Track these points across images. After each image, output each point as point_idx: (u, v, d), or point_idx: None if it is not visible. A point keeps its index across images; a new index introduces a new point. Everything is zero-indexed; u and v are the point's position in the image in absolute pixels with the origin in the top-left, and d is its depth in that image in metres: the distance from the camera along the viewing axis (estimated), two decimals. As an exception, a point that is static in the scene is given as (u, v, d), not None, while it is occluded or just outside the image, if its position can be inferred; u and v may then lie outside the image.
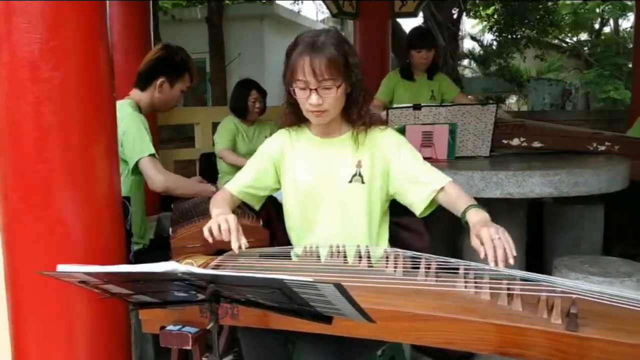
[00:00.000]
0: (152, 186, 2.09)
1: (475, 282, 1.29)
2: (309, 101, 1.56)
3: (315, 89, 1.54)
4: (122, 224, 1.76)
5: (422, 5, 5.05)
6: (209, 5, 10.22)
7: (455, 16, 8.21)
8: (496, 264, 1.28)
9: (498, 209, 2.91)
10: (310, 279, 0.92)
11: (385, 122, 2.91)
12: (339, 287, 0.93)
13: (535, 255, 3.33)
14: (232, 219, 1.52)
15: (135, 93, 2.26)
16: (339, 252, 1.57)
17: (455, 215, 2.59)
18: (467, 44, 14.74)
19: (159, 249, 2.18)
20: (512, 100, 15.60)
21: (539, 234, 3.46)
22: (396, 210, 3.51)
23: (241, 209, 2.01)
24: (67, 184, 1.56)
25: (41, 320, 1.59)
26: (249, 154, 3.73)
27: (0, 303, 1.64)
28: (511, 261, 1.28)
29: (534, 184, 2.46)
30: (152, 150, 2.08)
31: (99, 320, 1.65)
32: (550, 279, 1.29)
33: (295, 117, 1.69)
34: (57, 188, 1.54)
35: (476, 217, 1.46)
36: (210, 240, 1.50)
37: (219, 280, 1.01)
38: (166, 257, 1.91)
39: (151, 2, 3.73)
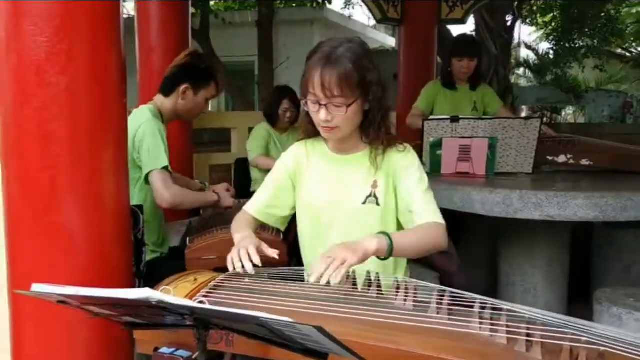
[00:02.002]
0: (158, 201, 2.04)
1: (492, 322, 1.15)
2: (318, 116, 1.47)
3: (325, 105, 1.44)
4: (129, 233, 1.71)
5: (471, 12, 4.85)
6: (259, 9, 10.28)
7: (509, 23, 7.92)
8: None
9: (538, 231, 2.74)
10: (288, 319, 0.82)
11: (418, 136, 2.81)
12: (320, 330, 0.82)
13: (581, 282, 3.12)
14: (252, 247, 1.45)
15: (158, 98, 2.21)
16: (348, 277, 1.46)
17: (496, 223, 2.43)
18: (523, 53, 14.32)
19: (176, 259, 2.12)
20: (568, 112, 15.03)
21: (587, 258, 3.24)
22: None
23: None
24: (72, 191, 1.51)
25: (42, 333, 1.55)
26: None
27: (2, 312, 1.61)
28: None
29: (577, 206, 2.27)
30: (166, 163, 2.03)
31: (101, 332, 1.59)
32: (577, 322, 1.14)
33: (312, 128, 1.59)
34: (61, 195, 1.50)
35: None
36: (231, 269, 1.43)
37: (196, 312, 0.93)
38: (180, 268, 1.85)
39: (189, 2, 3.71)
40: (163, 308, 0.96)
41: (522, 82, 14.40)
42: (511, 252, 2.88)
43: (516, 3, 7.85)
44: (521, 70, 13.85)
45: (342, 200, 1.58)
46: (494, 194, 2.40)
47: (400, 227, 1.60)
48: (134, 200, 2.08)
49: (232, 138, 4.36)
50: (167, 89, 2.19)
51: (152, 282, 1.51)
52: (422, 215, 1.49)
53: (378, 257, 1.38)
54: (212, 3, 12.50)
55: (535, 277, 2.80)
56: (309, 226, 1.65)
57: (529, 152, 2.82)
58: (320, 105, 1.45)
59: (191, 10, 9.04)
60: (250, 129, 3.99)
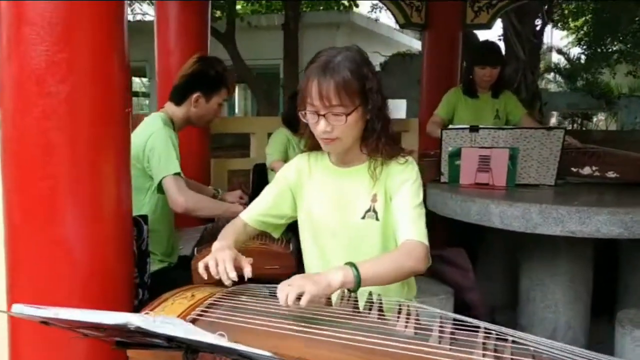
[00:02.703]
0: (172, 206, 2.01)
1: (495, 355, 1.08)
2: (317, 127, 1.42)
3: (324, 115, 1.39)
4: (131, 244, 1.68)
5: (497, 17, 4.73)
6: (285, 12, 10.28)
7: (538, 28, 7.73)
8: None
9: (560, 245, 2.63)
10: (267, 353, 0.77)
11: (438, 144, 2.73)
12: (300, 365, 0.77)
13: (605, 299, 3.00)
14: (228, 256, 1.38)
15: (169, 107, 2.19)
16: (349, 297, 1.40)
17: (516, 235, 2.34)
18: (554, 57, 14.02)
19: (185, 269, 2.09)
20: (601, 118, 14.67)
21: (612, 274, 3.11)
22: (439, 241, 3.25)
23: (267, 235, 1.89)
24: (72, 201, 1.49)
25: (41, 345, 1.53)
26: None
27: (2, 324, 1.60)
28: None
29: (600, 222, 2.18)
30: (178, 169, 2.00)
31: (97, 346, 1.56)
32: (589, 355, 1.06)
33: (314, 142, 1.53)
34: (60, 206, 1.48)
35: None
36: (205, 276, 1.37)
37: (174, 340, 0.88)
38: (187, 278, 1.81)
39: (209, 5, 3.69)
40: (143, 333, 0.92)
41: (553, 87, 14.11)
42: (532, 266, 2.78)
43: (546, 7, 7.66)
44: (551, 75, 13.55)
45: (342, 215, 1.53)
46: (513, 208, 2.31)
47: None
48: (143, 210, 2.06)
49: (251, 143, 4.33)
50: (178, 98, 2.16)
51: (158, 292, 1.47)
52: (405, 233, 1.43)
53: (348, 290, 1.32)
54: (238, 7, 12.58)
55: (556, 293, 2.69)
56: (310, 241, 1.60)
57: (552, 164, 2.72)
58: (319, 115, 1.40)
59: (217, 13, 9.08)
60: (270, 134, 3.95)
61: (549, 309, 2.72)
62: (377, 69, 11.96)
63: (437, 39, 4.67)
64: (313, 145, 1.57)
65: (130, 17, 12.62)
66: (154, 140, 2.00)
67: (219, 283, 1.43)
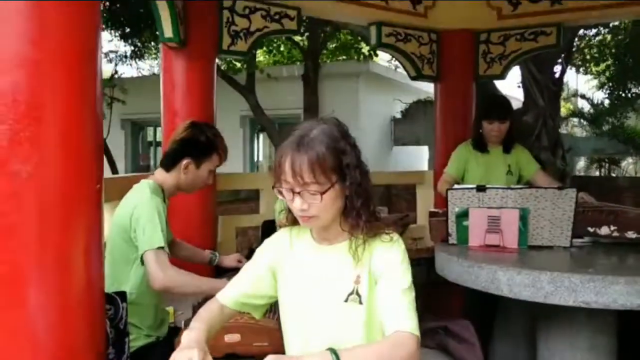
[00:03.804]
0: (150, 283, 1.91)
1: None
2: (293, 205, 1.33)
3: (299, 193, 1.30)
4: (103, 327, 1.58)
5: (511, 68, 4.65)
6: (305, 63, 10.41)
7: (557, 75, 7.63)
8: None
9: (577, 313, 2.45)
10: None
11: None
12: None
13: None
14: (195, 356, 1.24)
15: (159, 173, 2.14)
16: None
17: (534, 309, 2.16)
18: (580, 102, 13.84)
19: (173, 344, 1.98)
20: (630, 162, 14.31)
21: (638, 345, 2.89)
22: (453, 306, 3.05)
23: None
24: (35, 286, 1.40)
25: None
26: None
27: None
28: None
29: (617, 292, 2.02)
30: (161, 243, 1.92)
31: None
32: None
33: (294, 215, 1.44)
34: (23, 289, 1.39)
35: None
36: None
37: None
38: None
39: (215, 67, 3.70)
40: None
41: (578, 132, 13.88)
42: (549, 335, 2.59)
43: (563, 54, 7.58)
44: (576, 120, 13.35)
45: (324, 296, 1.42)
46: (522, 275, 2.16)
47: None
48: (130, 281, 1.98)
49: (260, 199, 4.26)
50: (168, 164, 2.11)
51: None
52: (392, 322, 1.30)
53: None
54: (260, 58, 12.82)
55: (576, 364, 2.49)
56: (290, 320, 1.49)
57: (565, 224, 2.57)
58: (294, 193, 1.32)
59: (237, 65, 9.21)
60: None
61: (569, 381, 2.51)
62: (399, 116, 11.93)
63: (449, 91, 4.61)
64: (293, 220, 1.48)
65: (148, 71, 13.00)
66: (139, 210, 1.94)
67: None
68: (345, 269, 1.40)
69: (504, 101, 3.20)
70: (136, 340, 1.99)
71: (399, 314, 1.31)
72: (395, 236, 1.42)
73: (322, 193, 1.30)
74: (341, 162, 1.31)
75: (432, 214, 2.96)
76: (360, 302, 1.38)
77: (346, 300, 1.39)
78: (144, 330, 2.03)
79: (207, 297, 2.13)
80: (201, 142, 2.10)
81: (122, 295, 1.75)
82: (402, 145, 12.53)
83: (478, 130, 3.19)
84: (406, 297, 1.34)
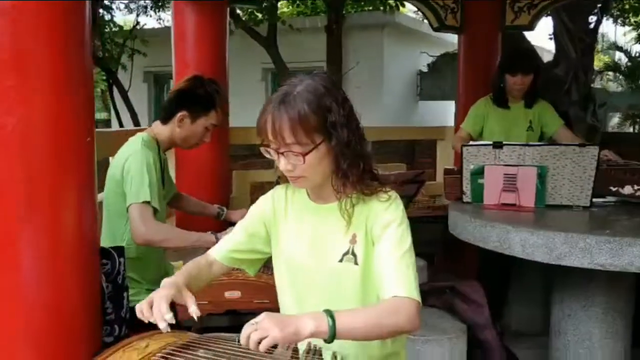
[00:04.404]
0: (133, 237, 1.88)
1: None
2: (279, 165, 1.26)
3: (283, 153, 1.24)
4: (96, 280, 1.57)
5: (540, 18, 4.41)
6: (328, 14, 10.15)
7: (592, 25, 7.26)
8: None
9: (593, 274, 2.36)
10: None
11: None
12: None
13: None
14: (163, 295, 1.21)
15: (156, 125, 2.08)
16: (315, 350, 1.24)
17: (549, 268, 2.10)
18: (617, 55, 13.27)
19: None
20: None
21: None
22: (459, 266, 2.98)
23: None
24: (26, 243, 1.39)
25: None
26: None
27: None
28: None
29: (633, 254, 1.93)
30: (147, 197, 1.87)
31: None
32: None
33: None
34: (13, 245, 1.38)
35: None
36: (145, 321, 1.22)
37: None
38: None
39: (227, 10, 3.58)
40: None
41: (613, 87, 13.36)
42: (563, 296, 2.52)
43: (599, 4, 7.19)
44: (612, 74, 12.83)
45: (319, 256, 1.36)
46: (535, 236, 2.09)
47: None
48: (125, 237, 1.95)
49: (276, 154, 4.20)
50: (164, 116, 2.05)
51: (136, 327, 1.34)
52: (391, 288, 1.24)
53: (324, 340, 1.15)
54: (284, 9, 12.55)
55: (590, 327, 2.42)
56: (285, 280, 1.45)
57: (586, 183, 2.46)
58: (278, 153, 1.25)
59: (258, 16, 9.01)
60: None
61: (582, 343, 2.45)
62: (425, 69, 11.57)
63: (473, 43, 4.40)
64: (286, 179, 1.41)
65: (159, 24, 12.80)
66: (130, 163, 1.90)
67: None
68: (340, 228, 1.34)
69: (528, 52, 3.04)
70: (137, 295, 1.98)
71: (397, 279, 1.24)
72: (394, 195, 1.34)
73: (305, 154, 1.23)
74: (326, 120, 1.23)
75: (447, 171, 2.86)
76: (356, 263, 1.32)
77: (341, 260, 1.34)
78: (145, 285, 2.01)
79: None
80: (199, 96, 2.02)
81: (120, 250, 1.73)
82: (428, 99, 12.24)
83: (499, 83, 3.04)
84: (405, 261, 1.27)
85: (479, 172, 2.54)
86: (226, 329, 1.90)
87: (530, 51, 3.11)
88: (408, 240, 1.30)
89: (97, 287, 1.57)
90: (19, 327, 1.41)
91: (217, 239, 1.87)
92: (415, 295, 1.23)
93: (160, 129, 2.05)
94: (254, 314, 1.56)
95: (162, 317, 1.17)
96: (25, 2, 1.31)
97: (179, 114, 2.01)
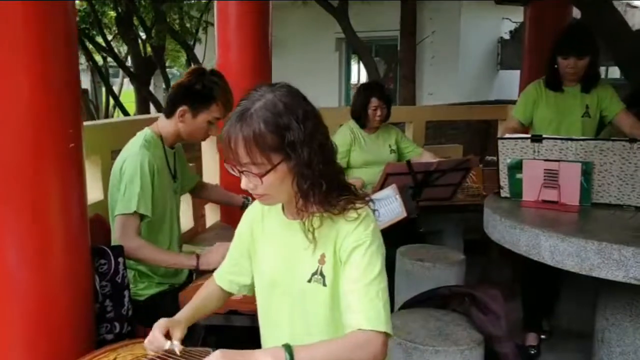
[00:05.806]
0: None
1: None
2: (241, 184, 1.21)
3: (242, 172, 1.18)
4: (89, 280, 1.59)
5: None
6: (403, -19, 9.77)
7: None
8: None
9: (622, 290, 2.14)
10: None
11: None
12: None
13: None
14: (155, 327, 1.27)
15: (161, 120, 2.06)
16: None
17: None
18: None
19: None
20: None
21: None
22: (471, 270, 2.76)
23: None
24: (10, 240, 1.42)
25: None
26: (367, 165, 3.36)
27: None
28: None
29: (676, 271, 1.71)
30: (134, 208, 1.86)
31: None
32: None
33: None
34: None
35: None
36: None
37: None
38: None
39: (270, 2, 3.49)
40: None
41: None
42: (608, 303, 2.31)
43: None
44: None
45: (290, 274, 1.30)
46: (566, 243, 1.91)
47: None
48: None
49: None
50: (167, 110, 2.03)
51: (149, 320, 1.35)
52: (355, 320, 1.15)
53: None
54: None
55: (637, 339, 2.21)
56: (262, 301, 1.40)
57: (637, 182, 2.21)
58: (239, 171, 1.19)
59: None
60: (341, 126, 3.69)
61: (626, 356, 2.25)
62: (507, 37, 10.88)
63: (540, 16, 4.06)
64: None
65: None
66: (126, 166, 1.91)
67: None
68: (309, 246, 1.27)
69: (584, 32, 2.72)
70: (147, 289, 2.01)
71: (362, 310, 1.15)
72: (364, 212, 1.24)
73: (261, 176, 1.16)
74: (284, 139, 1.15)
75: (486, 163, 2.68)
76: (324, 284, 1.25)
77: (309, 281, 1.26)
78: (156, 279, 2.03)
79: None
80: (196, 90, 1.97)
81: (118, 249, 1.75)
82: (508, 69, 11.59)
83: (552, 65, 2.76)
84: (373, 288, 1.17)
85: (516, 167, 2.34)
86: (226, 328, 1.91)
87: (587, 30, 2.77)
88: (377, 264, 1.20)
89: (88, 287, 1.60)
90: (7, 327, 1.46)
91: (197, 262, 1.91)
92: (382, 326, 1.14)
93: (165, 123, 2.04)
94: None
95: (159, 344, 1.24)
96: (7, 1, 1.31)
97: (180, 109, 1.98)
